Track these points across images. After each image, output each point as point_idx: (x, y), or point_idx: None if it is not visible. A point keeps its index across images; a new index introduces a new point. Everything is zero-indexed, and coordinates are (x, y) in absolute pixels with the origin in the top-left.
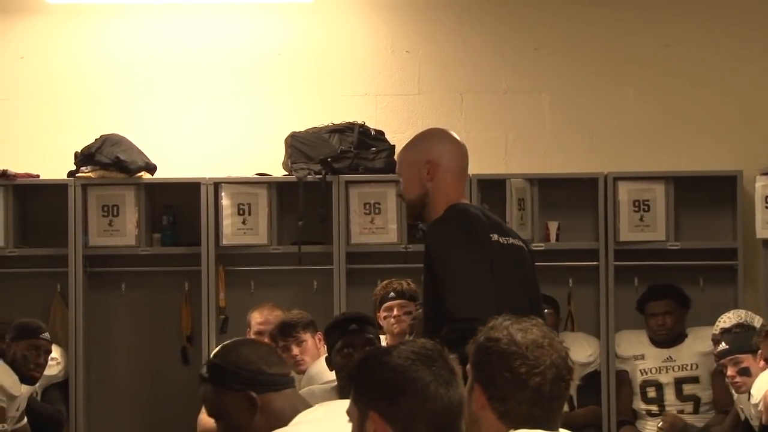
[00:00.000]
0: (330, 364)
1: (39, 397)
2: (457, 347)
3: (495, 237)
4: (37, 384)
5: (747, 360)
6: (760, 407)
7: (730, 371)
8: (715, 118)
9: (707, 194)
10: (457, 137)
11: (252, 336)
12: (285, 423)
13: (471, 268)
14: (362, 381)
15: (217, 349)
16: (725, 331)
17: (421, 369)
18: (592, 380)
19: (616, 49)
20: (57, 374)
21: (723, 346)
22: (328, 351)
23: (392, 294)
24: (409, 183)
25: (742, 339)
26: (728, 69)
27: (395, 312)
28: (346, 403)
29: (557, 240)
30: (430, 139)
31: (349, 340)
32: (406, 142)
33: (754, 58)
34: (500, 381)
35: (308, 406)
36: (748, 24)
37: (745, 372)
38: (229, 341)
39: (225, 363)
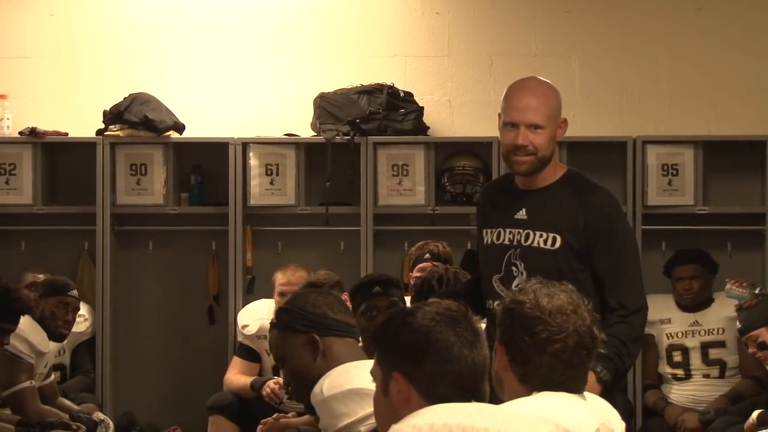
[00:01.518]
0: None
1: (68, 358)
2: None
3: None
4: (65, 342)
5: (762, 334)
6: None
7: (750, 349)
8: (746, 82)
9: (736, 159)
10: None
11: (276, 297)
12: None
13: (637, 257)
14: (386, 342)
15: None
16: (740, 309)
17: (445, 330)
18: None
19: (647, 12)
20: (85, 331)
21: (737, 325)
22: (354, 313)
23: (427, 256)
24: (549, 138)
25: (753, 315)
26: (760, 33)
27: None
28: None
29: None
30: (555, 93)
31: (374, 303)
32: (541, 89)
33: None
34: (521, 344)
35: (366, 359)
36: None
37: (764, 346)
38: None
39: (292, 307)
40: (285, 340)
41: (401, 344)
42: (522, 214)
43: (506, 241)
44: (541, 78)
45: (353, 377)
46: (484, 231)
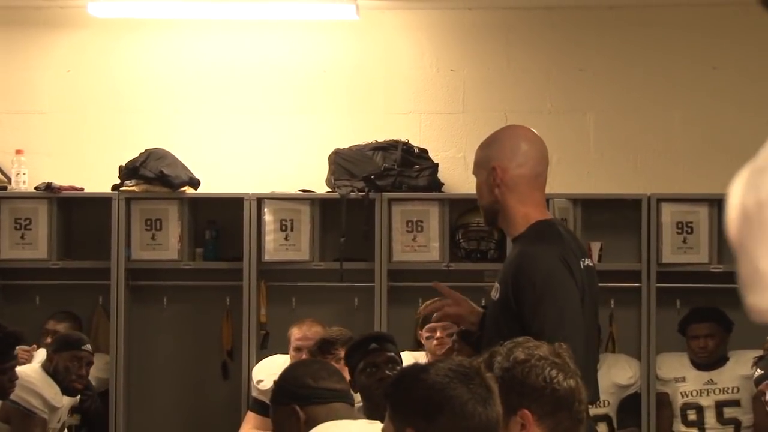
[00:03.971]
0: (354, 386)
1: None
2: None
3: (581, 262)
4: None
5: None
6: None
7: (767, 396)
8: (760, 143)
9: None
10: (536, 138)
11: (291, 352)
12: None
13: (567, 314)
14: (399, 398)
15: None
16: (761, 358)
17: (458, 387)
18: (632, 402)
19: (662, 71)
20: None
21: (758, 371)
22: (351, 374)
23: (436, 314)
24: (479, 188)
25: None
26: None
27: (438, 334)
28: (350, 424)
29: (599, 261)
30: (501, 139)
31: (372, 360)
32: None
33: None
34: (543, 397)
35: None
36: None
37: None
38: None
39: (277, 381)
40: (274, 413)
41: (415, 400)
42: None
43: None
44: (511, 125)
45: None
46: None
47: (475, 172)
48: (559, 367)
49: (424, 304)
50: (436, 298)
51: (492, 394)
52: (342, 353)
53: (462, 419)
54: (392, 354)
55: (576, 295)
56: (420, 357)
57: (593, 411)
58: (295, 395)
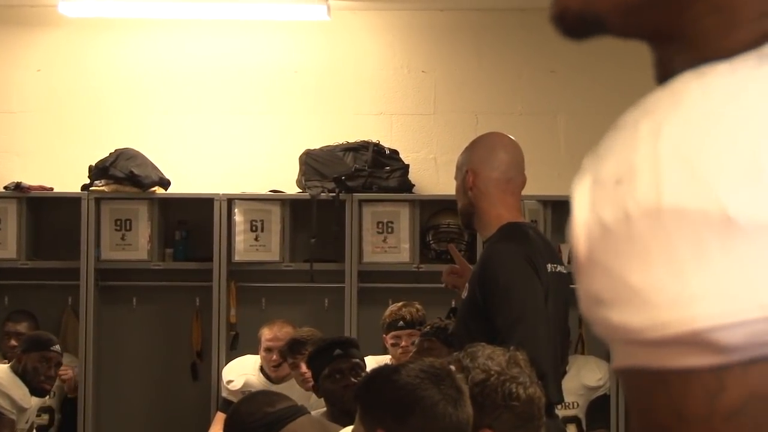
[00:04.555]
0: (317, 391)
1: (57, 401)
2: None
3: (549, 267)
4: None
5: None
6: None
7: None
8: None
9: None
10: (511, 144)
11: (261, 353)
12: None
13: (530, 306)
14: (370, 399)
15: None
16: None
17: (429, 387)
18: (601, 404)
19: (633, 73)
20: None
21: None
22: (314, 378)
23: (401, 324)
24: (456, 191)
25: None
26: None
27: (403, 342)
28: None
29: (569, 262)
30: (477, 145)
31: (337, 366)
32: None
33: None
34: (504, 415)
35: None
36: None
37: None
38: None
39: (236, 426)
40: None
41: (386, 401)
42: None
43: None
44: (490, 132)
45: None
46: None
47: (455, 176)
48: (517, 381)
49: (391, 310)
50: (403, 302)
51: (462, 395)
52: None
53: (433, 420)
54: (357, 360)
55: (539, 293)
56: (384, 362)
57: (562, 413)
58: (266, 426)
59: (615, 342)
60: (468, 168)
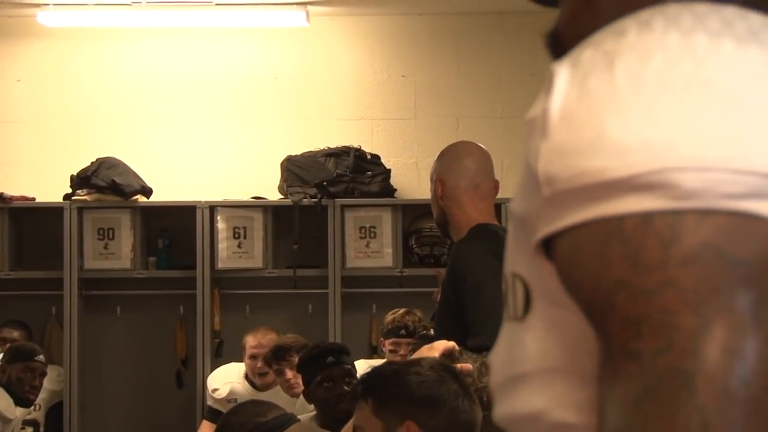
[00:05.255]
0: (308, 397)
1: (43, 415)
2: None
3: None
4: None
5: None
6: None
7: None
8: None
9: None
10: (478, 151)
11: (246, 360)
12: None
13: (499, 300)
14: (392, 393)
15: None
16: None
17: (451, 382)
18: None
19: None
20: (60, 391)
21: None
22: (305, 384)
23: (403, 332)
24: (431, 200)
25: None
26: None
27: (402, 351)
28: None
29: None
30: (444, 155)
31: (329, 373)
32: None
33: None
34: None
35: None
36: None
37: None
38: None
39: None
40: None
41: (415, 394)
42: None
43: None
44: (458, 141)
45: None
46: None
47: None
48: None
49: (393, 315)
50: (405, 309)
51: (471, 393)
52: (296, 360)
53: (459, 412)
54: (348, 367)
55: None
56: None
57: None
58: None
59: (571, 199)
60: (437, 178)
